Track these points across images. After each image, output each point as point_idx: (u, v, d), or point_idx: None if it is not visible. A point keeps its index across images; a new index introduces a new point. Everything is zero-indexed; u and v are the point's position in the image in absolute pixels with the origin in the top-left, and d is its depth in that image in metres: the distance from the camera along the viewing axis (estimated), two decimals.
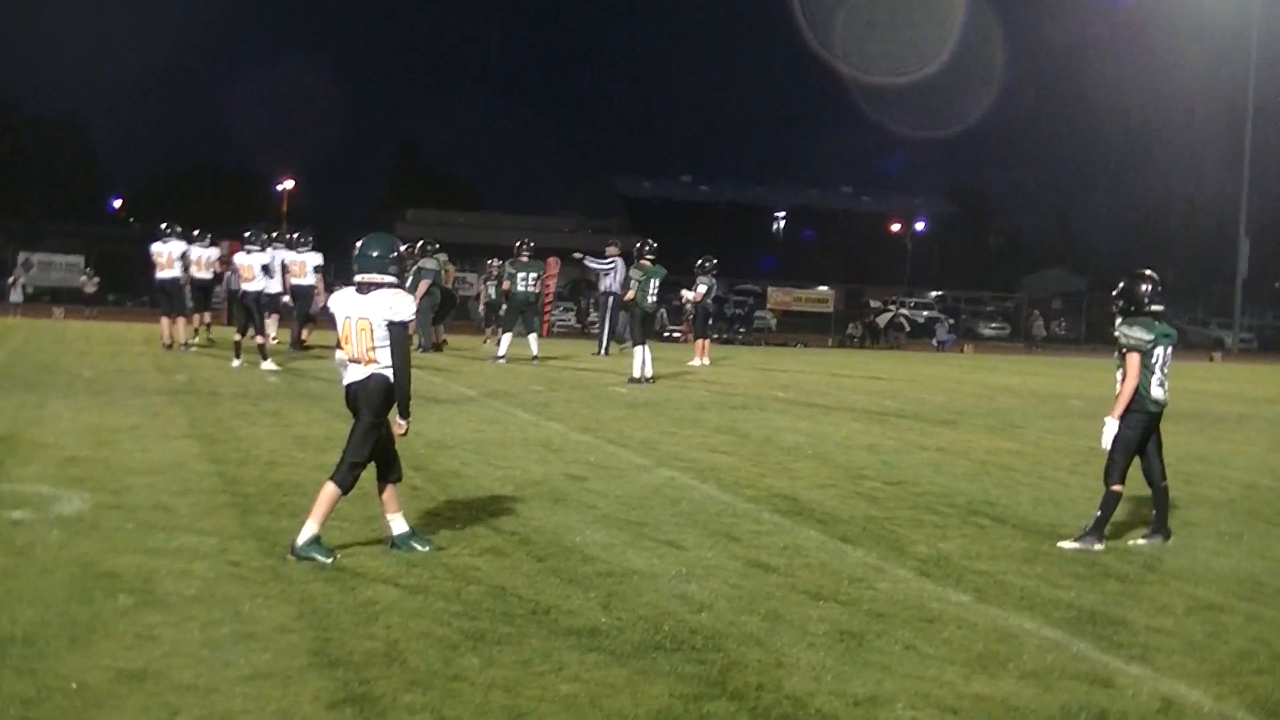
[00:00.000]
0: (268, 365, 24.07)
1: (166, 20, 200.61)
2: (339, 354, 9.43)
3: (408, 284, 33.14)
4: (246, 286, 25.44)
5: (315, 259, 29.52)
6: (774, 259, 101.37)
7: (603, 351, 34.12)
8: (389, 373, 9.19)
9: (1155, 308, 11.07)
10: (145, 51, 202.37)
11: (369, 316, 9.16)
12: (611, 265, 34.43)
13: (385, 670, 6.73)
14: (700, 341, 33.10)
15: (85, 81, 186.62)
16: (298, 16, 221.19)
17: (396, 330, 9.16)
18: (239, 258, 26.50)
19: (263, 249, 26.08)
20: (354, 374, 9.27)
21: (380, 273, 9.29)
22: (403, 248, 31.88)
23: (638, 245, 26.39)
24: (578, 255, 38.27)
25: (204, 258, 30.91)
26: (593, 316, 45.91)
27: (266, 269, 25.82)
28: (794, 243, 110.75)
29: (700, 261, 31.62)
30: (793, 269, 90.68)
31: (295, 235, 30.44)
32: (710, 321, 34.87)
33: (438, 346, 32.11)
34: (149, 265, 30.55)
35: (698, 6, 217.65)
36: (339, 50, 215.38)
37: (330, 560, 8.95)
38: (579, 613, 8.01)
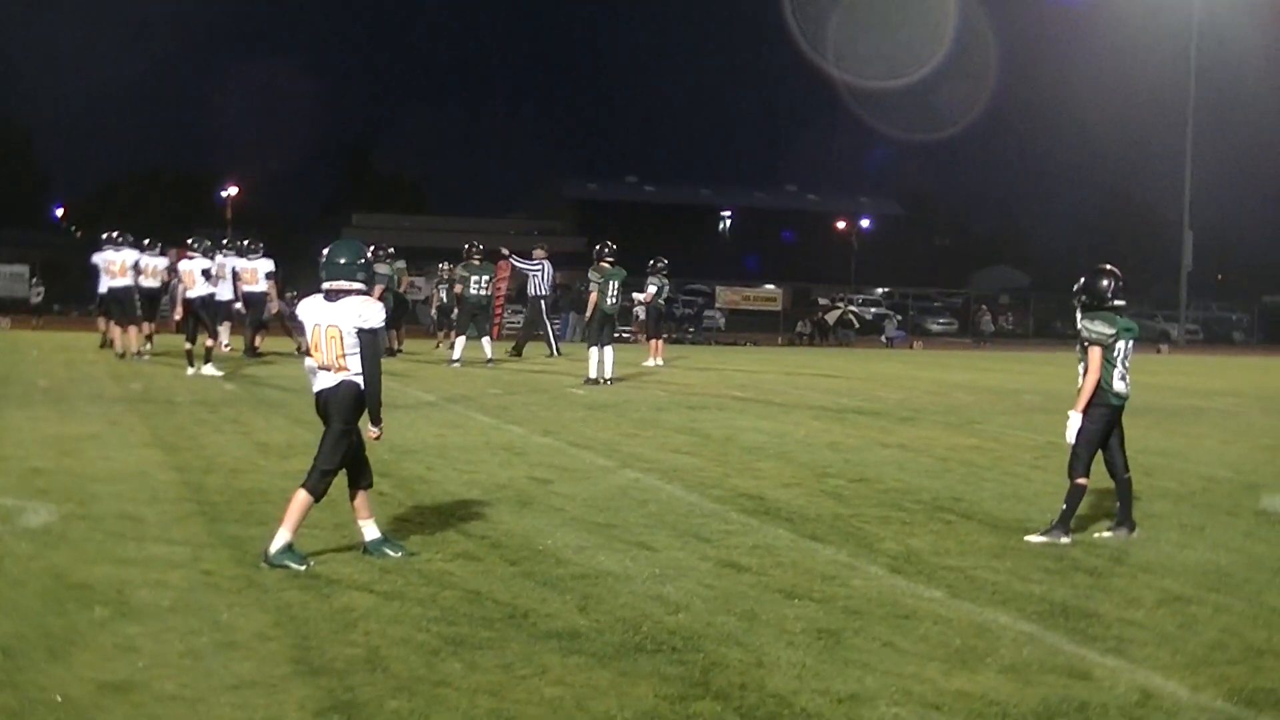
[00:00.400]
0: (209, 370, 23.96)
1: (109, 25, 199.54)
2: (308, 361, 9.39)
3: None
4: (190, 293, 25.33)
5: (267, 265, 29.46)
6: (715, 261, 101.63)
7: (555, 353, 34.22)
8: (359, 380, 9.16)
9: (1117, 302, 11.16)
10: (87, 56, 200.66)
11: (338, 324, 9.13)
12: (539, 267, 34.47)
13: (368, 677, 6.72)
14: (654, 342, 33.13)
15: (24, 87, 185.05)
16: (243, 21, 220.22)
17: (367, 337, 9.13)
18: (182, 265, 26.40)
19: (207, 255, 25.95)
20: (324, 381, 9.23)
21: (349, 279, 9.26)
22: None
23: (597, 247, 26.35)
24: (505, 252, 37.92)
25: (152, 266, 30.79)
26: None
27: (206, 274, 25.67)
28: (741, 242, 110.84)
29: (651, 262, 31.65)
30: (740, 269, 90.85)
31: (245, 242, 30.35)
32: (660, 321, 34.85)
33: (392, 351, 32.00)
34: (95, 274, 30.30)
35: (644, 9, 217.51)
36: (285, 55, 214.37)
37: (304, 567, 8.92)
38: (557, 616, 8.02)
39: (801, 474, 14.30)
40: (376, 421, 9.26)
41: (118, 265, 28.84)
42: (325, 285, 9.28)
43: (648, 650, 7.35)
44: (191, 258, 25.68)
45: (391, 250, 32.69)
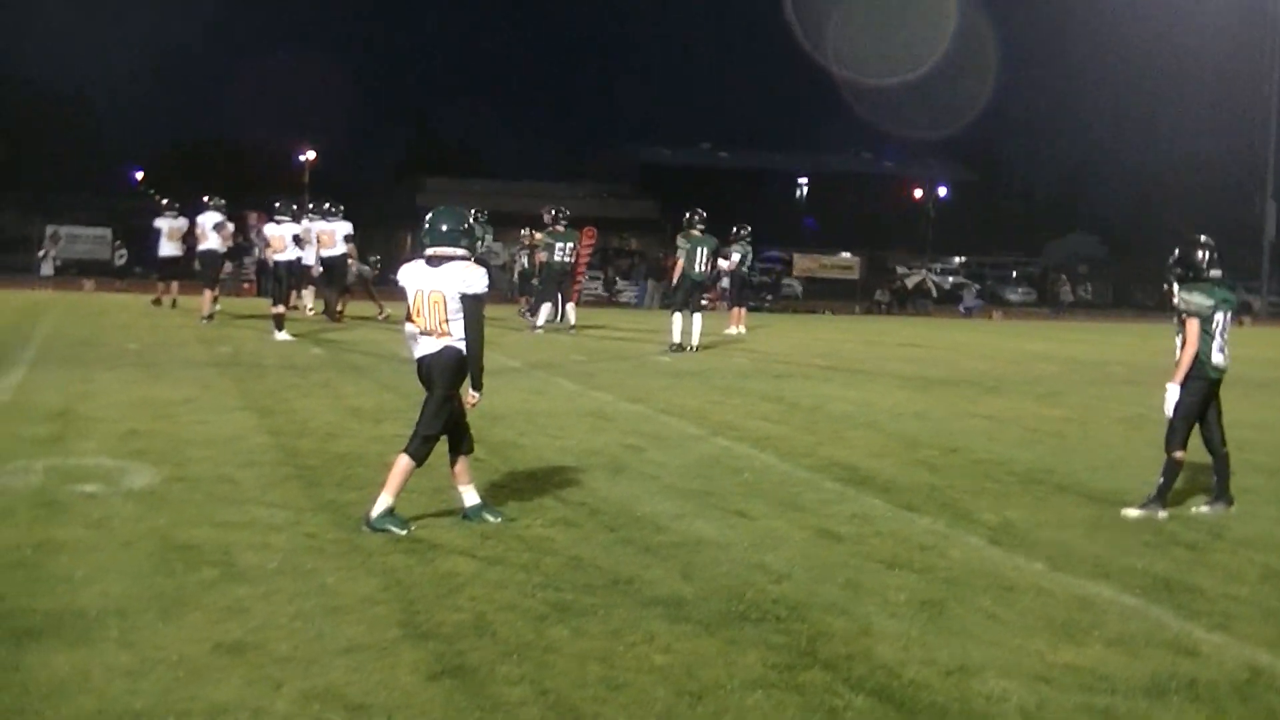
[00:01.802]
0: (282, 336, 24.16)
1: None
2: (409, 326, 9.41)
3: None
4: (278, 257, 25.55)
5: (346, 228, 29.67)
6: (809, 222, 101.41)
7: (559, 318, 31.09)
8: (462, 345, 9.19)
9: (1214, 273, 11.07)
10: (157, 23, 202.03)
11: (442, 289, 9.15)
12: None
13: (477, 642, 6.77)
14: (736, 309, 33.15)
15: (96, 52, 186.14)
16: None
17: (470, 303, 9.13)
18: (269, 229, 26.69)
19: (294, 220, 26.18)
20: (427, 346, 9.25)
21: (452, 245, 9.28)
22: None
23: (687, 215, 26.25)
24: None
25: (172, 229, 31.68)
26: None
27: (298, 239, 25.94)
28: (817, 209, 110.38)
29: (735, 229, 31.63)
30: (816, 235, 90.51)
31: (326, 205, 30.55)
32: (742, 289, 34.80)
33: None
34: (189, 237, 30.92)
35: None
36: (356, 17, 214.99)
37: (405, 532, 9.00)
38: (660, 583, 8.05)
39: (891, 444, 14.27)
40: (478, 387, 9.25)
41: (200, 229, 29.13)
42: (428, 251, 9.30)
43: (753, 619, 7.37)
44: (279, 222, 25.88)
45: (485, 214, 32.24)
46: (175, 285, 33.92)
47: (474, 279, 9.16)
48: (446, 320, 9.17)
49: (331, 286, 30.00)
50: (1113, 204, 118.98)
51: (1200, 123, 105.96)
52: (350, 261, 30.11)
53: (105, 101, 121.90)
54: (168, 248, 32.89)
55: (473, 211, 31.39)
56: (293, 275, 25.64)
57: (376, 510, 9.12)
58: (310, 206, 30.20)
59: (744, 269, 32.73)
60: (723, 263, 31.41)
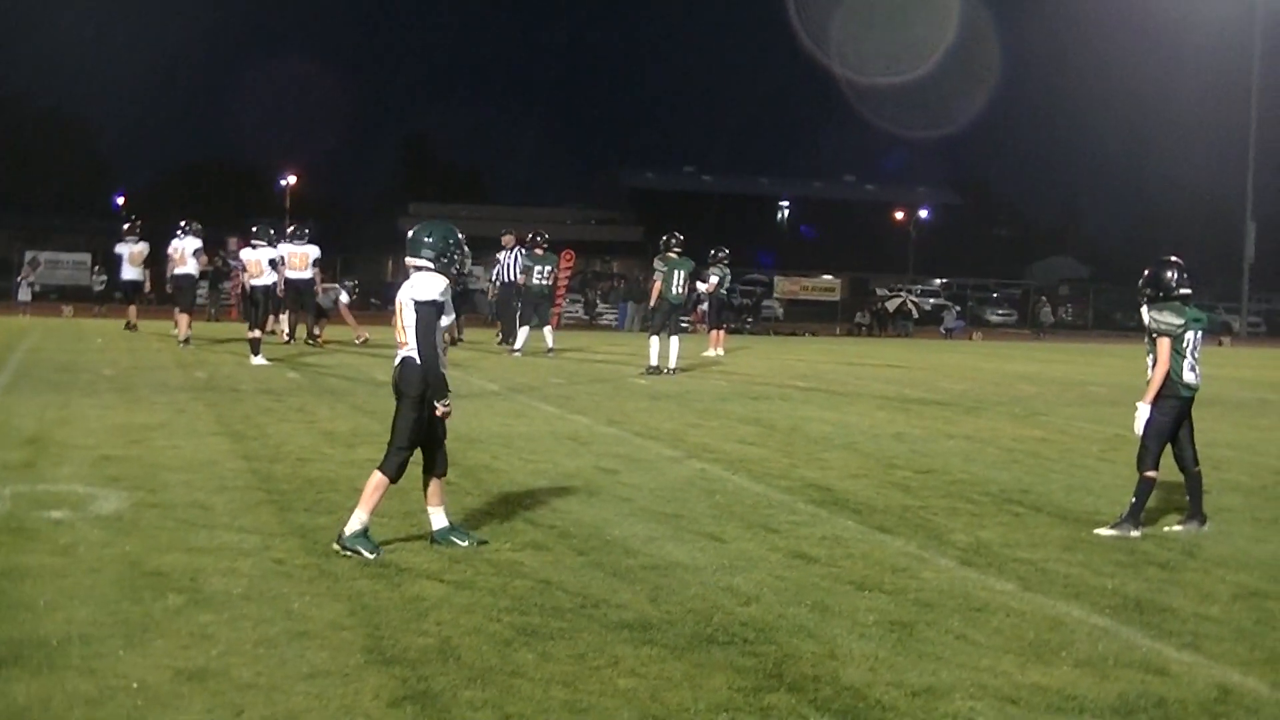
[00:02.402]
0: (259, 360, 24.11)
1: (168, 15, 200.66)
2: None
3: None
4: (255, 282, 25.53)
5: (315, 252, 29.66)
6: (775, 250, 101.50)
7: (519, 346, 30.28)
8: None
9: (1184, 292, 11.08)
10: (147, 46, 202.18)
11: (401, 298, 9.23)
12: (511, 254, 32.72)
13: (442, 667, 6.72)
14: (715, 332, 33.21)
15: (87, 78, 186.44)
16: (301, 9, 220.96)
17: (421, 309, 9.12)
18: (245, 253, 26.66)
19: (271, 244, 26.20)
20: (398, 358, 9.30)
21: (415, 255, 9.30)
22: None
23: (664, 237, 26.31)
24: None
25: (133, 253, 32.58)
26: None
27: (274, 264, 25.94)
28: (798, 232, 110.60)
29: (713, 252, 31.62)
30: (797, 258, 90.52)
31: (292, 229, 30.67)
32: (721, 311, 34.82)
33: (453, 340, 31.91)
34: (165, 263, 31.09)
35: (703, 7, 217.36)
36: (342, 44, 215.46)
37: (374, 555, 8.94)
38: (628, 606, 8.01)
39: (868, 464, 14.27)
40: (437, 396, 9.18)
41: (178, 254, 29.17)
42: (407, 263, 9.37)
43: (720, 642, 7.33)
44: (255, 246, 25.89)
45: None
46: (133, 309, 34.45)
47: (424, 286, 9.15)
48: (404, 329, 9.18)
49: (303, 309, 29.97)
50: (1101, 228, 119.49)
51: (1186, 150, 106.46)
52: (318, 285, 30.07)
53: (93, 125, 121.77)
54: (129, 272, 33.83)
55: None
56: (269, 300, 25.62)
57: (350, 528, 9.08)
58: (289, 231, 30.17)
59: (723, 291, 32.72)
60: (701, 285, 31.42)
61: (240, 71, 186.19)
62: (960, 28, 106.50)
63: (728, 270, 32.20)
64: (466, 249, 9.57)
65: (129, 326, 33.93)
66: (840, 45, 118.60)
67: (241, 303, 32.74)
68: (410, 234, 9.42)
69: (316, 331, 30.34)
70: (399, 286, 9.47)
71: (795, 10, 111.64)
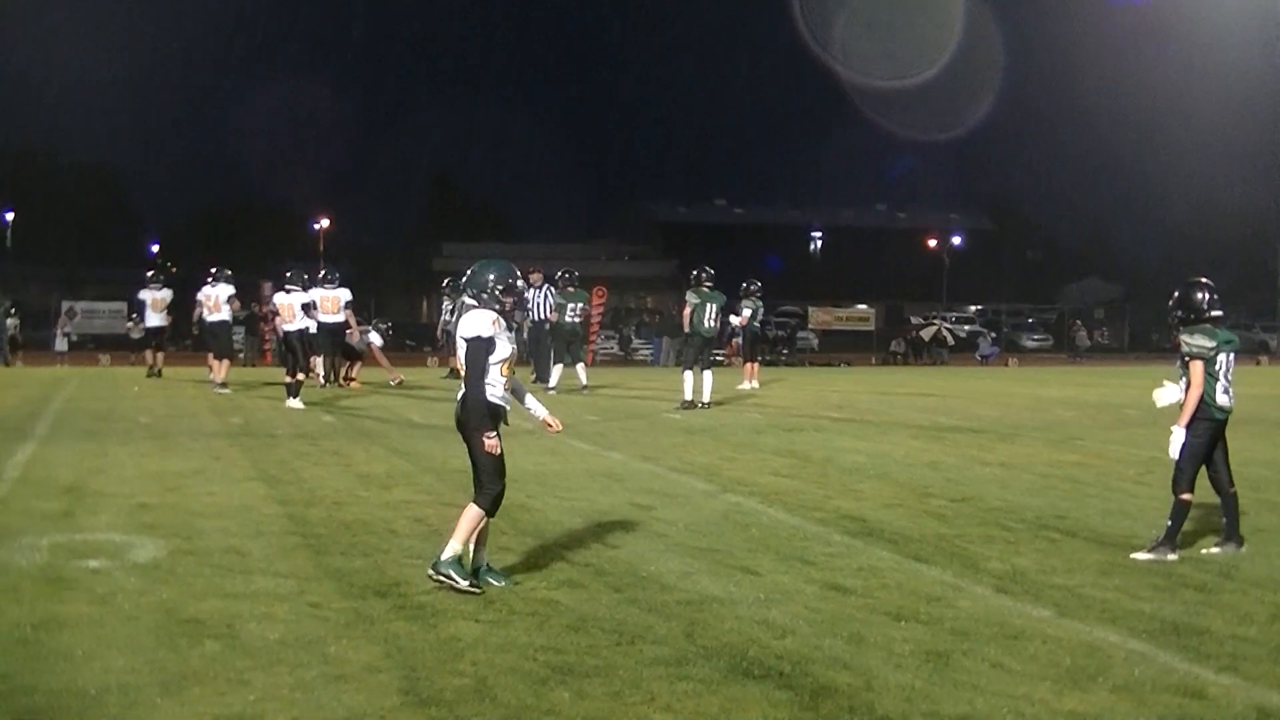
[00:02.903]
0: (294, 404, 24.25)
1: (195, 61, 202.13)
2: None
3: (453, 318, 33.00)
4: (288, 327, 25.66)
5: (345, 295, 29.83)
6: (807, 280, 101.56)
7: (553, 384, 29.96)
8: (475, 391, 9.33)
9: (1214, 314, 11.06)
10: (175, 95, 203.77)
11: (458, 336, 9.47)
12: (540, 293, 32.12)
13: (477, 707, 6.74)
14: (749, 365, 33.18)
15: (117, 129, 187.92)
16: (324, 51, 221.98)
17: (469, 345, 9.33)
18: (279, 298, 26.83)
19: (304, 288, 26.37)
20: (460, 393, 9.50)
21: (468, 294, 9.60)
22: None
23: (695, 271, 26.38)
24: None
25: (155, 300, 33.11)
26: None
27: (307, 308, 26.09)
28: (831, 262, 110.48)
29: (744, 285, 31.64)
30: (830, 288, 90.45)
31: (323, 273, 30.79)
32: (755, 344, 34.80)
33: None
34: (194, 308, 31.33)
35: (723, 34, 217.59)
36: (370, 85, 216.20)
37: (466, 583, 9.18)
38: (664, 642, 8.02)
39: (903, 494, 14.25)
40: (486, 429, 9.32)
41: (213, 300, 29.35)
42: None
43: (755, 675, 7.34)
44: (289, 291, 26.05)
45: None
46: (160, 355, 35.00)
47: (471, 323, 9.34)
48: (463, 365, 9.36)
49: (336, 352, 30.12)
50: (1134, 248, 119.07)
51: (1218, 166, 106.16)
52: (349, 329, 30.20)
53: (126, 176, 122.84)
54: (153, 319, 34.40)
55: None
56: (304, 344, 25.72)
57: (445, 554, 9.25)
58: (322, 275, 30.34)
59: (755, 324, 32.72)
60: (734, 319, 31.41)
61: (270, 116, 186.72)
62: (989, 47, 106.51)
63: (760, 303, 32.22)
64: (514, 284, 9.67)
65: (152, 373, 34.26)
66: (863, 66, 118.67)
67: (278, 347, 32.91)
68: (470, 271, 9.74)
69: (352, 375, 30.51)
70: (434, 327, 9.65)
71: (816, 36, 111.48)
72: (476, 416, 9.31)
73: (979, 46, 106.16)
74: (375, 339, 31.77)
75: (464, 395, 9.37)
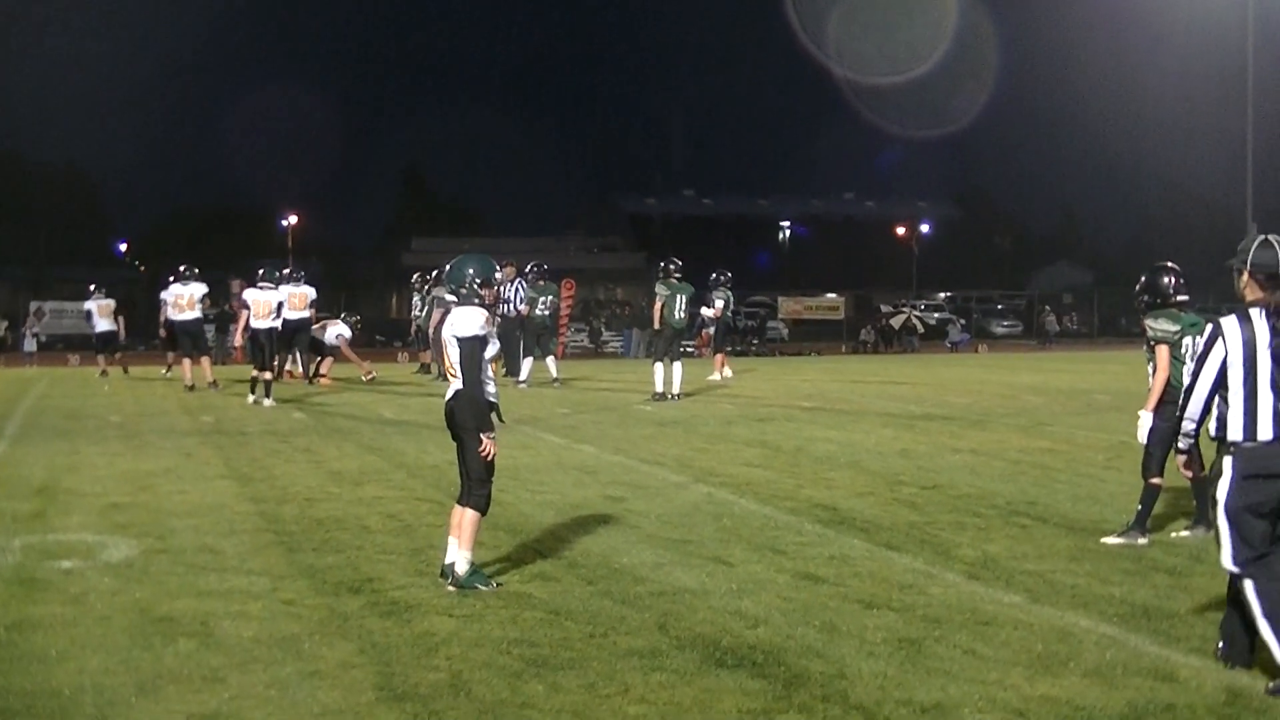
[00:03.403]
0: (269, 403, 24.28)
1: (162, 60, 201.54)
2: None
3: (423, 313, 32.97)
4: (259, 324, 25.61)
5: (311, 292, 29.91)
6: (777, 267, 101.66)
7: (524, 378, 29.76)
8: (468, 388, 9.26)
9: (1180, 298, 11.13)
10: (140, 94, 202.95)
11: (445, 333, 9.40)
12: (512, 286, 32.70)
13: (453, 702, 6.75)
14: (719, 355, 33.21)
15: (82, 129, 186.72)
16: (294, 54, 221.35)
17: (464, 345, 9.23)
18: (252, 294, 26.76)
19: (276, 286, 26.35)
20: (449, 391, 9.44)
21: (448, 290, 9.61)
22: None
23: (662, 263, 26.41)
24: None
25: (101, 306, 34.64)
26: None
27: (281, 306, 26.07)
28: (801, 252, 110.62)
29: (715, 276, 31.66)
30: (800, 278, 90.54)
31: (288, 270, 30.87)
32: (726, 335, 34.83)
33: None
34: (160, 308, 31.48)
35: (692, 24, 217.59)
36: (336, 80, 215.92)
37: (490, 588, 9.17)
38: (637, 633, 8.04)
39: (874, 482, 14.29)
40: (482, 429, 9.27)
41: (186, 299, 29.27)
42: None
43: (729, 665, 7.36)
44: (263, 288, 26.03)
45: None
46: (115, 357, 35.68)
47: (464, 322, 9.25)
48: (453, 363, 9.31)
49: (300, 349, 30.14)
50: (1102, 234, 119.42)
51: (1185, 152, 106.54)
52: (320, 326, 30.28)
53: (92, 175, 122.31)
54: (101, 324, 34.86)
55: (436, 271, 31.23)
56: (272, 342, 25.67)
57: (460, 568, 9.20)
58: (288, 272, 30.33)
59: (727, 314, 32.78)
60: (707, 311, 31.46)
61: (235, 113, 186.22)
62: (957, 35, 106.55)
63: (730, 294, 32.28)
64: (492, 278, 9.65)
65: (104, 373, 34.64)
66: (839, 50, 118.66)
67: (248, 345, 32.89)
68: (449, 265, 9.73)
69: (323, 372, 30.52)
70: (406, 322, 9.62)
71: (797, 20, 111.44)
72: (476, 417, 9.25)
73: (952, 39, 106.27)
74: (345, 332, 31.73)
75: (459, 395, 9.29)
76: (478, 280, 9.45)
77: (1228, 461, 7.36)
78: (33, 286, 74.07)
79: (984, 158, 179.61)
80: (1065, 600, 8.93)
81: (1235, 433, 7.34)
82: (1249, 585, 7.21)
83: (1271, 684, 6.98)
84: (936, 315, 76.60)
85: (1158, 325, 10.97)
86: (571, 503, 12.92)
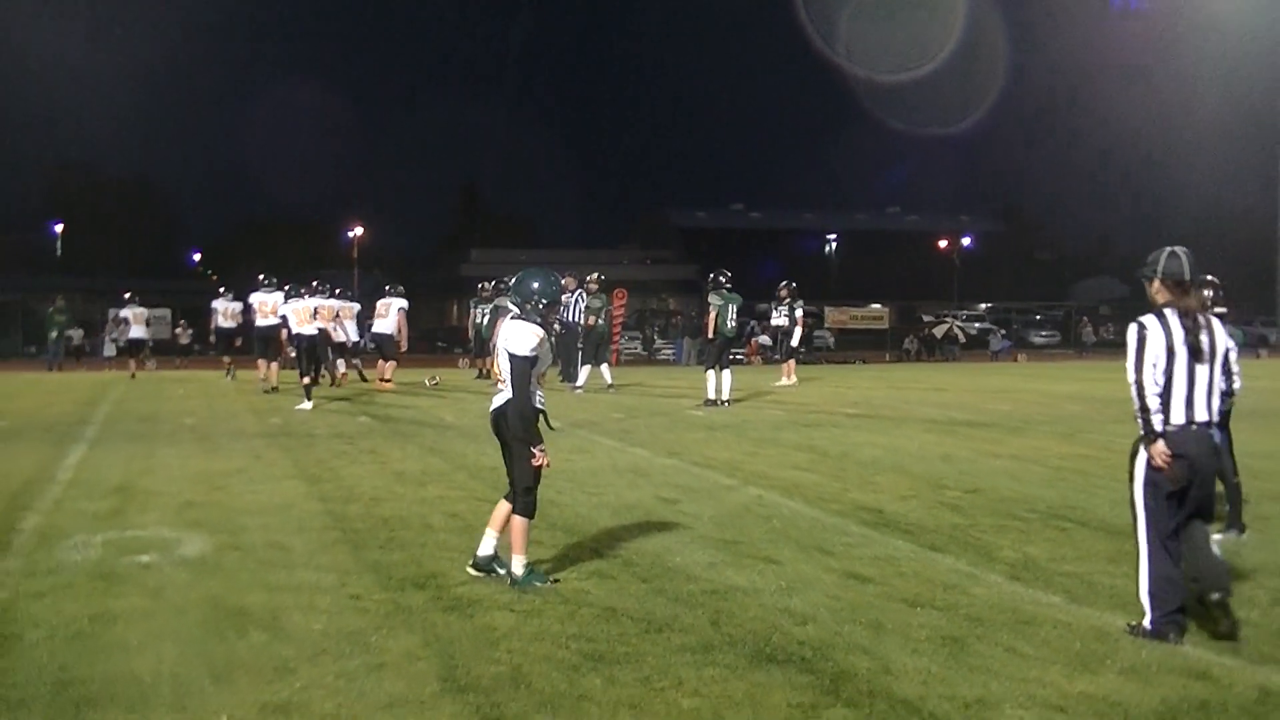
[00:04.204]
0: (304, 405, 24.66)
1: (235, 77, 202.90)
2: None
3: (484, 322, 32.91)
4: (304, 330, 25.98)
5: (333, 304, 30.74)
6: (823, 278, 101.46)
7: (581, 384, 30.42)
8: (519, 399, 9.26)
9: (1218, 310, 11.06)
10: (214, 108, 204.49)
11: (500, 343, 9.34)
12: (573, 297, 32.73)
13: (513, 694, 6.79)
14: (790, 362, 33.36)
15: (158, 144, 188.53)
16: (360, 69, 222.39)
17: (515, 362, 9.19)
18: (298, 304, 27.21)
19: (312, 295, 27.05)
20: (497, 399, 9.40)
21: (510, 298, 9.57)
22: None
23: (713, 275, 26.44)
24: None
25: (134, 315, 38.25)
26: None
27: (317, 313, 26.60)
28: (846, 264, 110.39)
29: (786, 284, 32.41)
30: (846, 289, 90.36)
31: (315, 283, 31.32)
32: (796, 343, 34.79)
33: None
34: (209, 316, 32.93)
35: (739, 51, 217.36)
36: (399, 100, 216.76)
37: (547, 584, 9.24)
38: (690, 630, 8.06)
39: (918, 486, 14.26)
40: (531, 442, 9.19)
41: (269, 306, 29.71)
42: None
43: (778, 661, 7.38)
44: (303, 296, 26.67)
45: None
46: (133, 363, 39.20)
47: (519, 339, 9.20)
48: (501, 371, 9.29)
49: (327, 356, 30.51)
50: (1137, 247, 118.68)
51: (1218, 166, 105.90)
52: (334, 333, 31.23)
53: (168, 188, 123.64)
54: (135, 331, 39.25)
55: (495, 282, 31.41)
56: (315, 348, 26.30)
57: (517, 571, 9.24)
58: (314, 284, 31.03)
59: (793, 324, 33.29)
60: (780, 320, 32.21)
61: (305, 129, 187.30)
62: (998, 57, 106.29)
63: (795, 303, 32.96)
64: (558, 299, 9.68)
65: (134, 376, 37.41)
66: (873, 64, 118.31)
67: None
68: (516, 277, 9.65)
69: (386, 375, 30.76)
70: (464, 330, 9.61)
71: (828, 41, 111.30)
72: (526, 429, 9.20)
73: (986, 56, 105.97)
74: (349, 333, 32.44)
75: (507, 405, 9.26)
76: (544, 301, 9.43)
77: (1144, 445, 8.16)
78: (112, 295, 74.64)
79: (1025, 176, 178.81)
80: (1104, 601, 8.91)
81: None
82: (1146, 547, 8.20)
83: (1130, 624, 8.11)
84: (977, 325, 76.35)
85: None
86: (626, 504, 12.95)
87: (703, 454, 17.17)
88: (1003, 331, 71.78)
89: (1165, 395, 8.12)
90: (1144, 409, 8.14)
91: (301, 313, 26.25)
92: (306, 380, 25.44)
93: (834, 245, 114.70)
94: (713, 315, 25.91)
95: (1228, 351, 10.17)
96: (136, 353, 39.71)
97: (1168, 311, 8.30)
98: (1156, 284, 8.45)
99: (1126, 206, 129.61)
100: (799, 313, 32.61)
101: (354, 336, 33.20)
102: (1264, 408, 24.07)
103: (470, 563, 9.53)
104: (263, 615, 8.42)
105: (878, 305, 74.55)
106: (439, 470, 15.27)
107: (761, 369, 43.86)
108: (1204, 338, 8.26)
